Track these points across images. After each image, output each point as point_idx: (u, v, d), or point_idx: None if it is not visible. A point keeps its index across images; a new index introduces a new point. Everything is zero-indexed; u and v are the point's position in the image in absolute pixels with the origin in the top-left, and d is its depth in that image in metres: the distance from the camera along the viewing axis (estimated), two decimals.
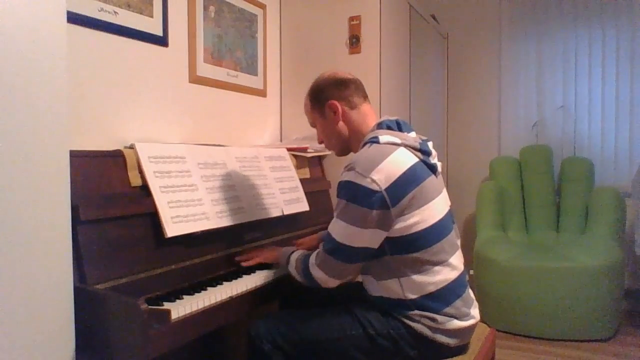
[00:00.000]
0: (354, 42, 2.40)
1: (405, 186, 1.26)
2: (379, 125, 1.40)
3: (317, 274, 1.35)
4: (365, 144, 1.36)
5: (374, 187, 1.24)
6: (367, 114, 1.47)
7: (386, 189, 1.24)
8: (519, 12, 3.57)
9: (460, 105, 3.79)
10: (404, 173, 1.27)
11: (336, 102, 1.44)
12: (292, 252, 1.49)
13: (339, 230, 1.29)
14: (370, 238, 1.27)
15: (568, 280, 2.64)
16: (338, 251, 1.30)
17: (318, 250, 1.36)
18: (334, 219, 1.32)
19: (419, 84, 3.01)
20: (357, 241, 1.28)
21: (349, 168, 1.30)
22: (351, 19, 2.41)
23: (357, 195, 1.25)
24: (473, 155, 3.74)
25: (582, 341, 2.65)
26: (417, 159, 1.32)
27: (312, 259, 1.37)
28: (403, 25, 2.71)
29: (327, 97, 1.46)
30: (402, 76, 2.72)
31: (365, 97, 1.49)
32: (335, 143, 1.51)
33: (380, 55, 2.37)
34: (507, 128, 3.65)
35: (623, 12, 3.29)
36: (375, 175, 1.24)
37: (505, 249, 2.90)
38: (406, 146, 1.33)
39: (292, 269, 1.44)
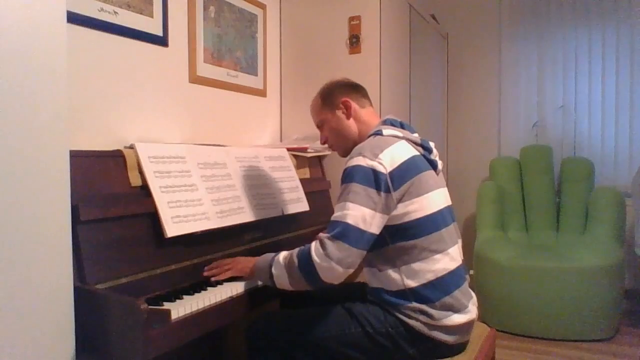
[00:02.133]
0: (354, 42, 2.40)
1: (406, 172, 1.32)
2: (383, 122, 1.49)
3: (324, 263, 1.23)
4: (369, 136, 1.44)
5: (381, 169, 1.29)
6: (373, 117, 1.56)
7: (390, 173, 1.29)
8: (519, 12, 3.57)
9: (460, 105, 3.79)
10: (406, 161, 1.34)
11: (349, 100, 1.53)
12: (276, 254, 1.36)
13: (349, 211, 1.25)
14: (377, 222, 1.28)
15: (568, 280, 2.64)
16: (348, 234, 1.23)
17: (316, 241, 1.27)
18: (341, 204, 1.28)
19: (419, 84, 3.01)
20: (367, 224, 1.26)
21: (356, 154, 1.34)
22: (351, 19, 2.41)
23: (367, 177, 1.28)
24: (473, 155, 3.74)
25: (582, 341, 2.65)
26: (417, 152, 1.40)
27: (315, 248, 1.26)
28: (403, 25, 2.71)
29: (340, 95, 1.54)
30: (402, 76, 2.72)
31: (370, 103, 1.59)
32: (342, 141, 1.55)
33: (380, 55, 2.37)
34: (507, 128, 3.65)
35: (623, 12, 3.29)
36: (381, 159, 1.30)
37: (505, 249, 2.90)
38: (407, 140, 1.41)
39: (280, 270, 1.31)
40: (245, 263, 1.45)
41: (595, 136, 3.40)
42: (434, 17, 3.39)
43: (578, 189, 3.19)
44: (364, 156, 1.31)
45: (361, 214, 1.26)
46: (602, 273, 2.62)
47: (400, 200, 1.30)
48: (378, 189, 1.28)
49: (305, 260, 1.26)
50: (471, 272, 2.98)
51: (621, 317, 2.82)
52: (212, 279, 1.44)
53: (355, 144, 1.49)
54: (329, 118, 1.55)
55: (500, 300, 2.79)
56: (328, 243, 1.24)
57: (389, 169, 1.30)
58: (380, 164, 1.29)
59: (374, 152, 1.31)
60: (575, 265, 2.65)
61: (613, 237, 2.85)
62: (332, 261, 1.23)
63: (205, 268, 1.48)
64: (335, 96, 1.54)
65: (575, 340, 2.66)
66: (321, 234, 1.28)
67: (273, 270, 1.33)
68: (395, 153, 1.33)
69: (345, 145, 1.55)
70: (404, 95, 2.75)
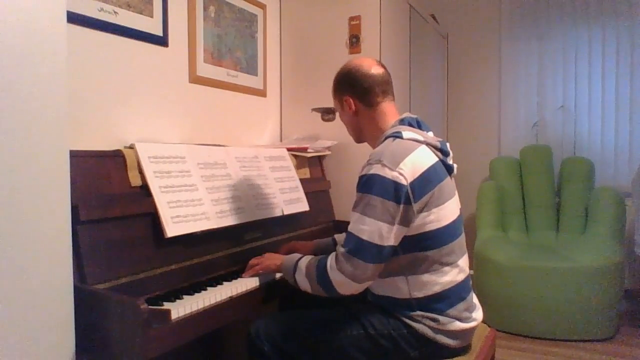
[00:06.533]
0: (354, 42, 2.40)
1: (427, 183, 1.26)
2: (401, 121, 1.40)
3: (338, 277, 1.23)
4: (387, 137, 1.35)
5: (402, 180, 1.22)
6: (387, 113, 1.43)
7: (411, 184, 1.23)
8: (519, 12, 3.57)
9: (460, 105, 3.79)
10: (427, 170, 1.27)
11: (351, 100, 1.44)
12: (300, 258, 1.38)
13: (365, 227, 1.22)
14: (395, 235, 1.23)
15: (568, 280, 2.64)
16: (364, 250, 1.21)
17: (334, 253, 1.28)
18: (357, 216, 1.24)
19: (419, 84, 3.01)
20: (385, 238, 1.22)
21: (375, 161, 1.25)
22: (351, 19, 2.41)
23: (387, 188, 1.22)
24: (473, 155, 3.74)
25: (582, 341, 2.65)
26: (437, 159, 1.34)
27: (330, 262, 1.26)
28: (403, 25, 2.71)
29: (344, 91, 1.45)
30: (402, 76, 2.72)
31: (386, 93, 1.44)
32: (351, 130, 1.52)
33: (380, 55, 2.37)
34: (507, 128, 3.65)
35: (623, 12, 3.29)
36: (402, 169, 1.23)
37: (505, 249, 2.90)
38: (427, 144, 1.34)
39: (302, 277, 1.33)
40: (273, 261, 1.49)
41: (595, 136, 3.40)
42: (434, 17, 3.39)
43: (578, 189, 3.19)
44: (383, 165, 1.23)
45: (377, 228, 1.21)
46: (602, 273, 2.62)
47: (419, 212, 1.25)
48: (398, 201, 1.21)
49: (322, 273, 1.27)
50: (471, 272, 2.98)
51: (621, 317, 2.83)
52: (243, 275, 1.49)
53: (364, 134, 1.48)
54: (338, 107, 1.52)
55: (500, 300, 2.79)
56: (342, 259, 1.23)
57: (410, 179, 1.23)
58: (402, 174, 1.22)
59: (394, 161, 1.23)
60: (575, 265, 2.65)
61: (613, 237, 2.85)
62: (348, 278, 1.23)
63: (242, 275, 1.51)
64: (340, 91, 1.47)
65: (575, 340, 2.66)
66: (339, 247, 1.27)
67: (296, 276, 1.34)
68: (416, 161, 1.26)
69: (353, 134, 1.52)
70: (403, 96, 2.75)
